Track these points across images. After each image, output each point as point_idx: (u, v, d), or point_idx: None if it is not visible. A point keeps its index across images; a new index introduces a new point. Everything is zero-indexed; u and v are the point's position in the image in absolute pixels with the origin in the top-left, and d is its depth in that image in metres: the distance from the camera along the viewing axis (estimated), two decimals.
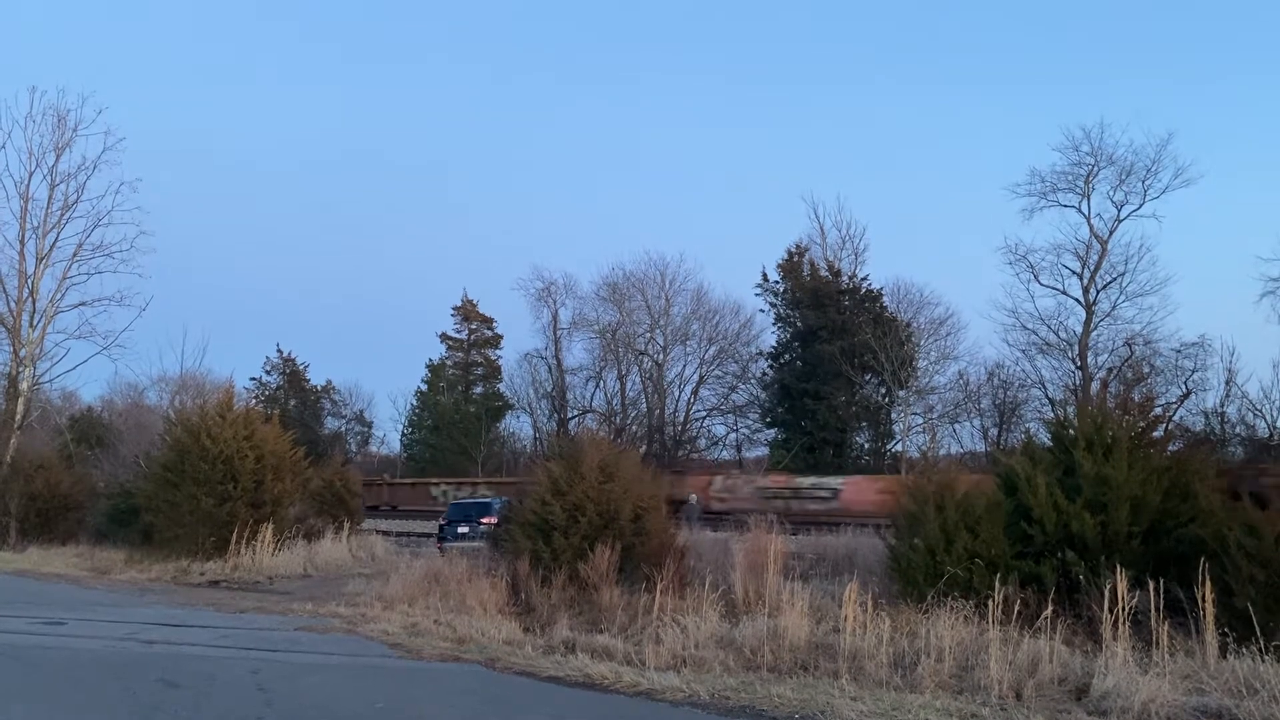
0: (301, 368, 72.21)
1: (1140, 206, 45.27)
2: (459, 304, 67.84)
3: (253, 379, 70.02)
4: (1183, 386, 42.70)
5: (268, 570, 20.88)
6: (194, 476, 21.93)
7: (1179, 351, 43.35)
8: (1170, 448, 13.58)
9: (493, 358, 68.33)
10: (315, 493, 25.93)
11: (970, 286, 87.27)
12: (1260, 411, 40.87)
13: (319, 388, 72.96)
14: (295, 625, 13.49)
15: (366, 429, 74.48)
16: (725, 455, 58.72)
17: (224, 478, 22.00)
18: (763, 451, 54.12)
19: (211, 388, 33.71)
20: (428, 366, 67.55)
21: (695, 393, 60.19)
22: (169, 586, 19.34)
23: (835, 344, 48.09)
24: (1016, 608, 10.14)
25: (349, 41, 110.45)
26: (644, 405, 60.87)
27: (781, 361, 53.28)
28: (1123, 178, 45.16)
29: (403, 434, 69.15)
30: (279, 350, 71.87)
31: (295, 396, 71.25)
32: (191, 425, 23.22)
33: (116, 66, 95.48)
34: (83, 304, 35.58)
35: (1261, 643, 8.68)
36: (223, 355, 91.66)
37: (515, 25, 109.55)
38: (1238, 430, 40.78)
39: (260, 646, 11.69)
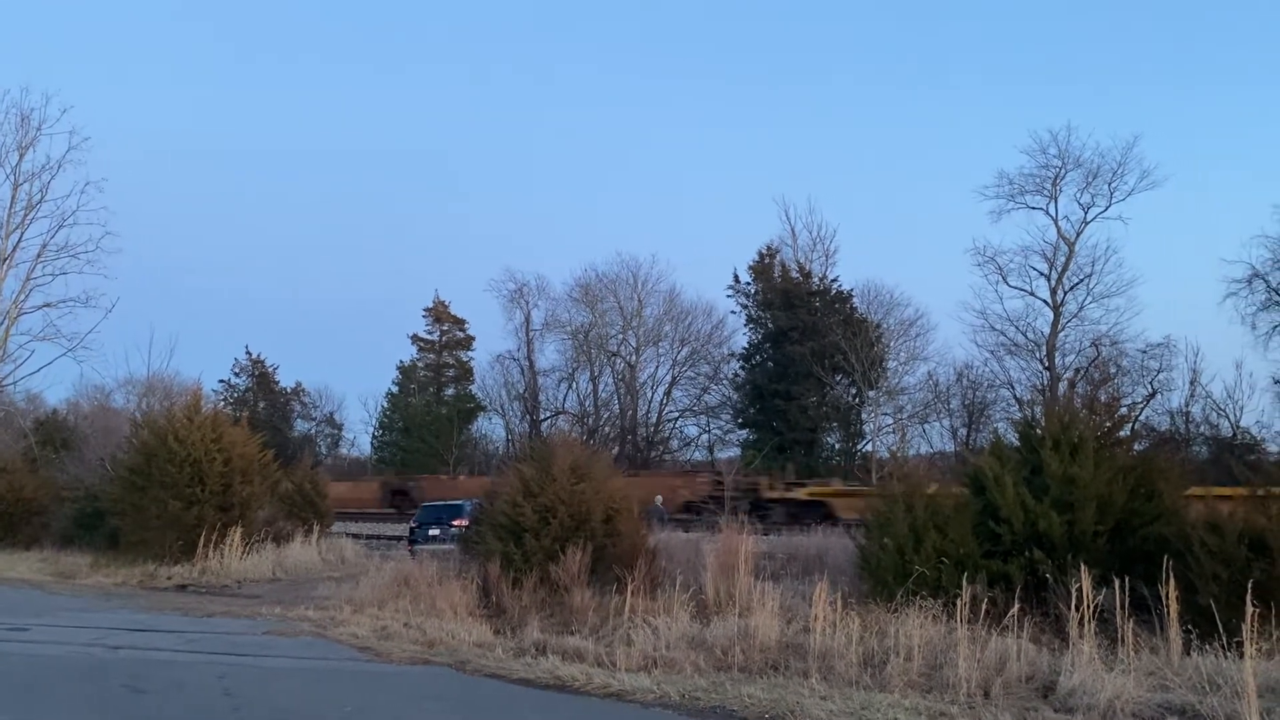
0: (271, 370, 71.79)
1: (1107, 209, 45.92)
2: (430, 305, 67.69)
3: (221, 381, 69.57)
4: (1148, 387, 43.30)
5: (236, 574, 20.69)
6: (161, 480, 21.68)
7: (1145, 352, 43.97)
8: (1136, 447, 13.72)
9: (464, 359, 68.20)
10: (284, 496, 25.71)
11: (939, 288, 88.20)
12: (1224, 411, 41.47)
13: (288, 390, 72.54)
14: (264, 629, 13.38)
15: (337, 431, 74.17)
16: (698, 456, 58.93)
17: (191, 481, 21.77)
18: (735, 452, 54.29)
19: (179, 390, 33.41)
20: (399, 368, 67.37)
21: (668, 394, 60.38)
22: (135, 591, 19.12)
23: (806, 345, 48.37)
24: (984, 606, 10.19)
25: (322, 44, 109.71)
26: (616, 406, 60.96)
27: (753, 362, 53.52)
28: (1089, 180, 45.80)
29: (373, 436, 68.95)
30: (248, 352, 71.43)
31: (264, 399, 70.75)
32: (158, 428, 22.98)
33: (83, 64, 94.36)
34: (47, 305, 35.19)
35: (1224, 639, 8.77)
36: (191, 357, 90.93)
37: (490, 29, 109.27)
38: (1202, 430, 41.34)
39: (228, 651, 11.58)
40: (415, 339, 67.71)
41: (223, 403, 58.32)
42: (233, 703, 8.72)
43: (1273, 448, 35.11)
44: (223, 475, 22.28)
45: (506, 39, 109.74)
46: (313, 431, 72.86)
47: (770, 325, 52.16)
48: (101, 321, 36.74)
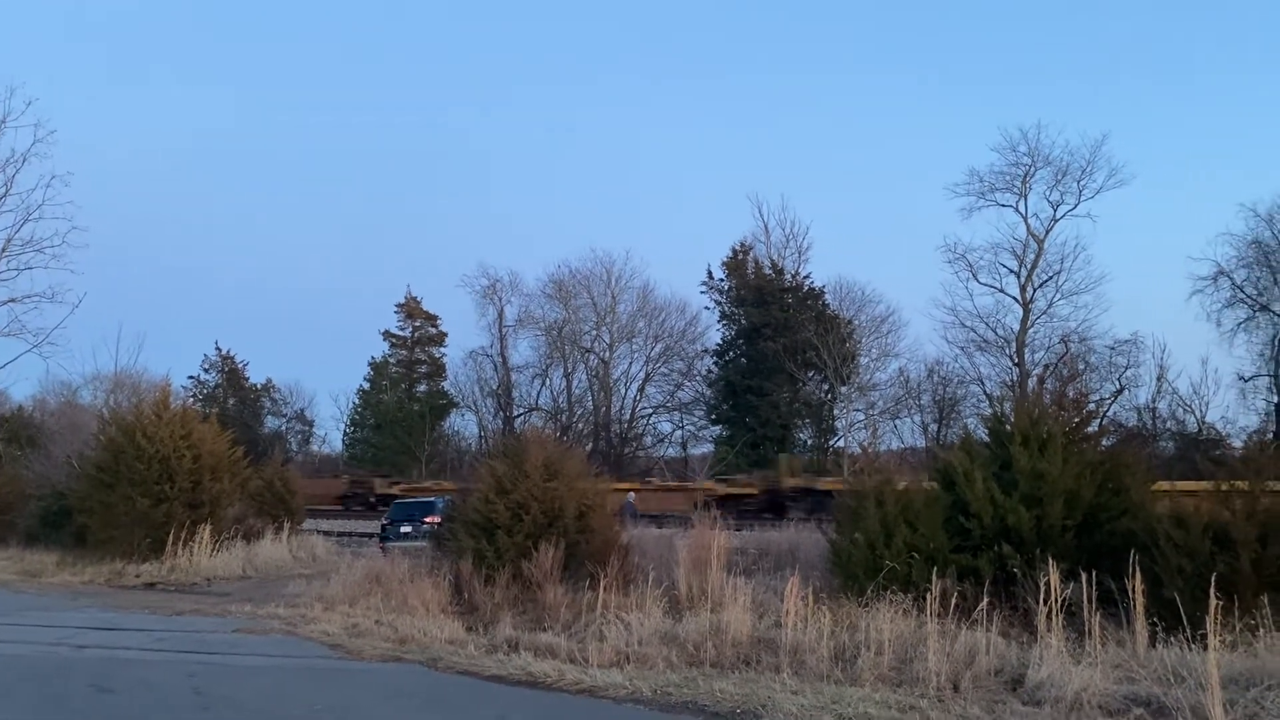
0: (241, 366, 71.25)
1: (1075, 206, 46.43)
2: (402, 301, 67.41)
3: (190, 377, 68.96)
4: (1116, 383, 43.89)
5: (205, 572, 20.52)
6: (129, 477, 21.46)
7: (1112, 349, 44.57)
8: (1103, 443, 13.86)
9: (437, 355, 67.96)
10: (255, 493, 25.54)
11: (911, 285, 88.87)
12: (1189, 407, 42.09)
13: (258, 386, 72.00)
14: (233, 627, 13.28)
15: (308, 428, 73.71)
16: (671, 452, 59.04)
17: (160, 478, 21.56)
18: (708, 448, 54.46)
19: (147, 386, 33.08)
20: (370, 364, 67.04)
21: (641, 390, 60.41)
22: (103, 590, 18.92)
23: (779, 341, 48.57)
24: (954, 600, 10.28)
25: (294, 37, 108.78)
26: (590, 403, 60.92)
27: (726, 359, 53.69)
28: (1059, 178, 46.30)
29: (345, 433, 68.60)
30: (218, 348, 70.84)
31: (234, 395, 70.22)
32: (126, 424, 22.74)
33: (49, 58, 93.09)
34: (12, 300, 34.52)
35: (1188, 632, 8.89)
36: (159, 353, 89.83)
37: (460, 22, 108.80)
38: (1168, 425, 41.93)
39: (197, 649, 11.49)
40: (387, 335, 67.44)
41: (192, 399, 57.74)
42: (202, 701, 8.65)
43: (1237, 443, 35.58)
44: (192, 472, 22.08)
45: (483, 34, 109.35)
46: (283, 428, 72.39)
47: (743, 322, 52.34)
48: (68, 317, 35.95)
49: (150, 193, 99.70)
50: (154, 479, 21.48)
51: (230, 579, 20.25)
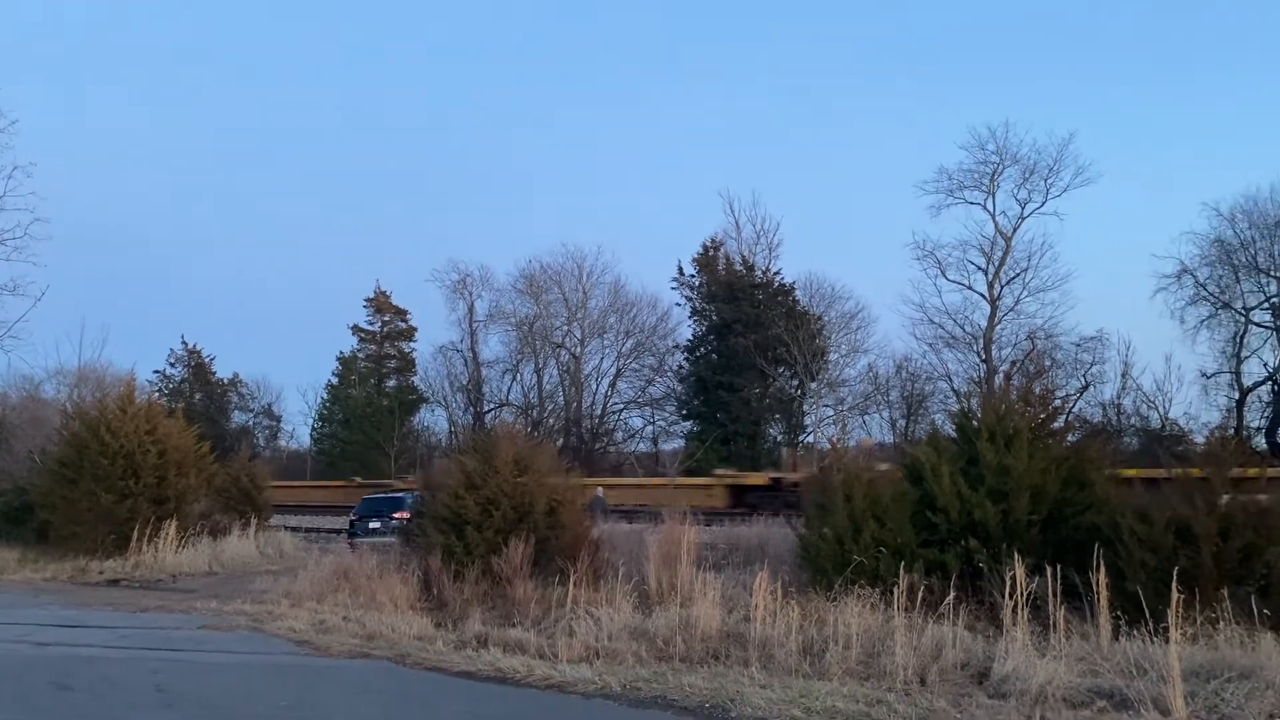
0: (207, 360, 70.53)
1: (1043, 205, 46.78)
2: (371, 295, 66.94)
3: (156, 372, 68.20)
4: (1081, 379, 44.36)
5: (171, 568, 20.34)
6: (93, 472, 21.23)
7: (1078, 345, 45.00)
8: (1069, 438, 14.00)
9: (406, 350, 67.57)
10: (221, 488, 25.31)
11: (880, 281, 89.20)
12: (1153, 403, 42.62)
13: (225, 381, 71.34)
14: (198, 624, 13.15)
15: (275, 423, 73.13)
16: (642, 448, 59.05)
17: (124, 473, 21.34)
18: (679, 444, 54.52)
19: (112, 381, 32.71)
20: (339, 359, 66.56)
21: (612, 385, 60.34)
22: (65, 586, 18.69)
23: (749, 337, 48.66)
24: (921, 595, 10.36)
25: (262, 30, 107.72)
26: (561, 398, 60.76)
27: (697, 354, 53.73)
28: (1026, 176, 46.61)
29: (313, 428, 68.10)
30: (184, 342, 70.11)
31: (201, 390, 69.53)
32: (90, 419, 22.48)
33: (10, 45, 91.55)
34: None
35: (1151, 625, 9.01)
36: (124, 347, 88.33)
37: (431, 18, 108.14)
38: (1133, 421, 42.45)
39: (161, 646, 11.37)
40: (356, 330, 66.94)
41: (157, 394, 57.14)
42: (165, 698, 8.56)
43: (1199, 439, 36.10)
44: (157, 468, 21.88)
45: (453, 27, 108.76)
46: (250, 423, 71.77)
47: (714, 317, 52.39)
48: (30, 310, 35.52)
49: (116, 186, 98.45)
50: (118, 474, 21.27)
51: (196, 575, 20.07)
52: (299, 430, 72.21)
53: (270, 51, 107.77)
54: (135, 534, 20.65)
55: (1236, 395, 42.29)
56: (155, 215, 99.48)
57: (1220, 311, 42.98)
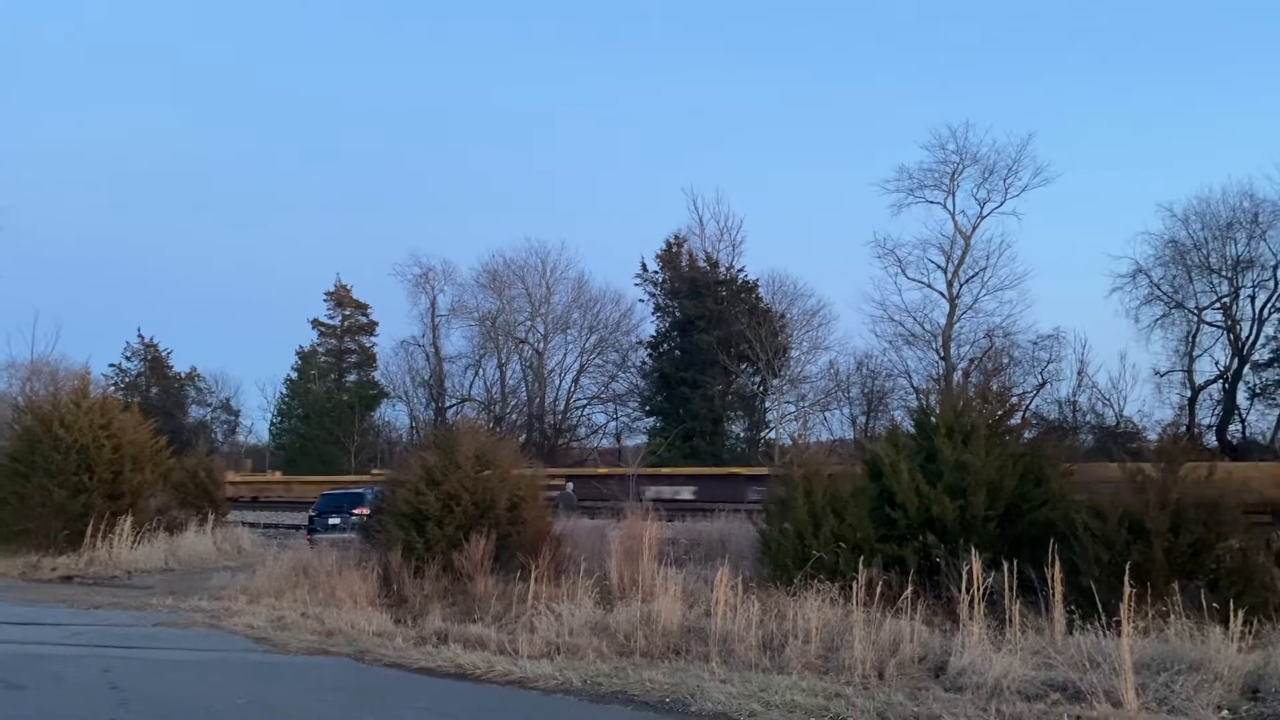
0: (164, 354, 69.57)
1: (1001, 204, 47.32)
2: (332, 289, 66.25)
3: (112, 365, 67.15)
4: (1038, 376, 44.95)
5: (126, 564, 20.03)
6: (45, 467, 20.87)
7: (1035, 343, 45.61)
8: (1025, 435, 14.18)
9: (367, 345, 67.02)
10: (178, 484, 24.96)
11: (842, 279, 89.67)
12: (1109, 401, 43.33)
13: (183, 375, 70.39)
14: (154, 621, 12.99)
15: (233, 418, 72.25)
16: (605, 443, 59.00)
17: (78, 468, 20.99)
18: (642, 440, 54.56)
19: (66, 374, 32.16)
20: (298, 354, 65.89)
21: (576, 381, 60.21)
22: (17, 583, 18.36)
23: (712, 334, 48.80)
24: (880, 589, 10.45)
25: (219, 21, 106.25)
26: (524, 394, 60.57)
27: (660, 350, 53.79)
28: (985, 176, 47.12)
29: (272, 423, 67.34)
30: (140, 336, 69.05)
31: (157, 384, 68.55)
32: (43, 413, 22.08)
33: None
34: None
35: (1104, 619, 9.15)
36: (78, 340, 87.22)
37: (389, 11, 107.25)
38: (1088, 418, 43.13)
39: (115, 644, 11.21)
40: (316, 324, 66.24)
41: (113, 387, 56.24)
42: (119, 696, 8.44)
43: (1153, 436, 36.74)
44: (112, 462, 21.54)
45: (415, 19, 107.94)
46: (208, 418, 70.84)
47: (677, 314, 52.47)
48: None
49: (70, 177, 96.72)
50: (72, 469, 20.93)
51: (152, 572, 19.80)
52: (258, 425, 71.59)
53: (226, 46, 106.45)
54: (89, 530, 20.32)
55: (1189, 393, 43.08)
56: (110, 208, 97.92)
57: (1173, 311, 43.75)
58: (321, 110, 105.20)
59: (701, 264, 53.54)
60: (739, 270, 53.28)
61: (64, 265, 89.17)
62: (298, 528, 27.75)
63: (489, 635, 10.98)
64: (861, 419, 49.88)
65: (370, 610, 12.85)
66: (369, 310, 66.57)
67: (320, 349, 66.40)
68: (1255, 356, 42.19)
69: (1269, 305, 41.82)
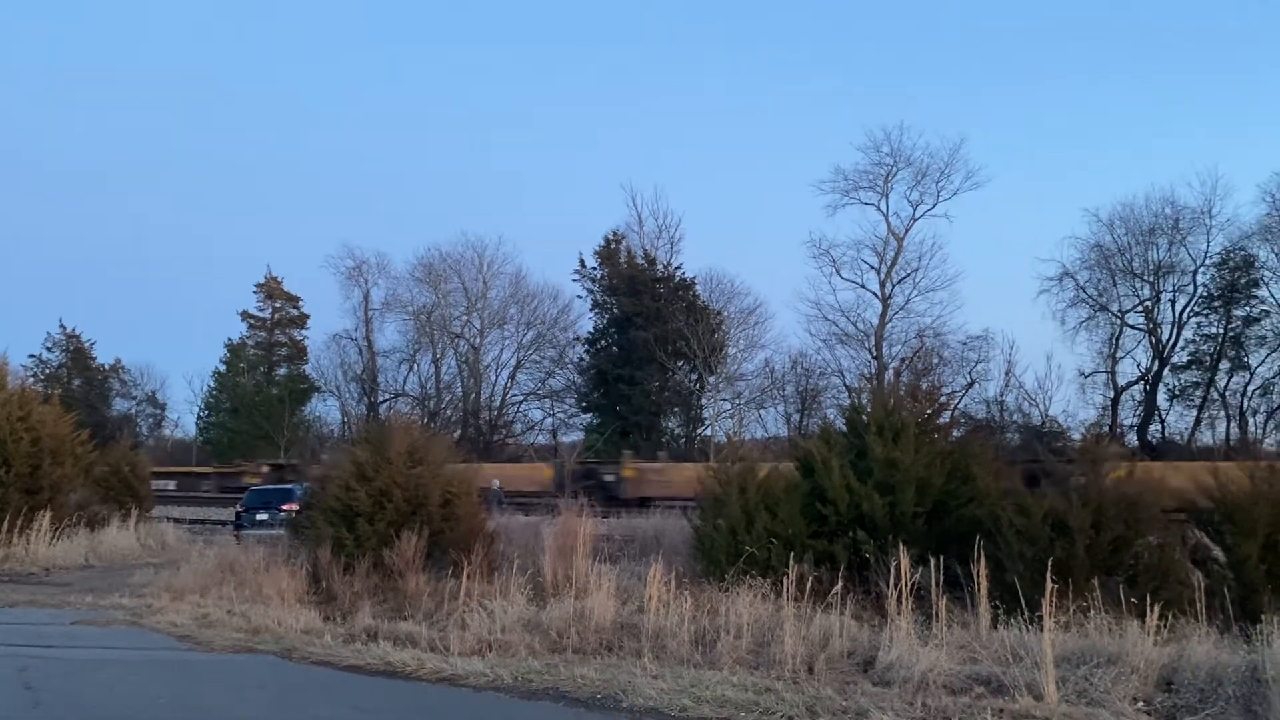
0: (87, 345, 67.81)
1: (934, 206, 48.27)
2: (262, 281, 65.15)
3: (31, 356, 65.27)
4: (967, 376, 45.91)
5: (44, 561, 19.44)
6: None
7: (965, 344, 46.60)
8: (954, 434, 14.42)
9: (298, 338, 66.09)
10: (100, 478, 24.31)
11: (778, 278, 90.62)
12: (1035, 400, 44.35)
13: (106, 367, 68.68)
14: (72, 619, 12.62)
15: (159, 411, 70.74)
16: (541, 439, 58.83)
17: None
18: (579, 436, 54.50)
19: None
20: (227, 346, 64.72)
21: (512, 377, 59.93)
22: None
23: (650, 331, 48.93)
24: (810, 585, 10.56)
25: (148, 10, 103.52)
26: (459, 389, 60.10)
27: (598, 347, 53.81)
28: (918, 179, 48.04)
29: (199, 417, 65.96)
30: (62, 326, 67.23)
31: (80, 375, 66.79)
32: None
33: None
34: None
35: (1027, 614, 9.36)
36: None
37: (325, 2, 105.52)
38: (1015, 418, 44.09)
39: (31, 643, 10.86)
40: (245, 316, 65.10)
41: (32, 379, 54.55)
42: (33, 696, 8.19)
43: (1076, 435, 37.66)
44: (30, 456, 20.89)
45: (352, 12, 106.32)
46: (133, 411, 69.19)
47: (615, 311, 52.52)
48: None
49: None
50: None
51: (72, 568, 19.24)
52: (185, 419, 70.00)
53: (159, 30, 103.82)
54: (5, 525, 19.70)
55: (1111, 394, 44.33)
56: (29, 193, 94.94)
57: (1098, 314, 45.00)
58: (251, 99, 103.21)
59: (640, 261, 53.65)
60: (677, 268, 53.56)
61: None
62: (224, 524, 27.22)
63: (420, 633, 10.86)
64: (795, 417, 50.46)
65: (298, 608, 12.63)
66: (300, 303, 65.66)
67: (250, 341, 65.27)
68: (1175, 359, 43.57)
69: (1188, 309, 43.20)
